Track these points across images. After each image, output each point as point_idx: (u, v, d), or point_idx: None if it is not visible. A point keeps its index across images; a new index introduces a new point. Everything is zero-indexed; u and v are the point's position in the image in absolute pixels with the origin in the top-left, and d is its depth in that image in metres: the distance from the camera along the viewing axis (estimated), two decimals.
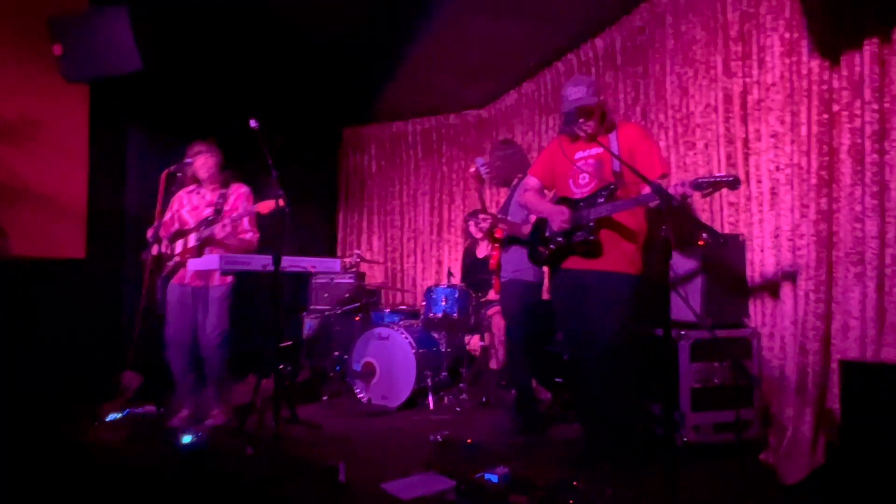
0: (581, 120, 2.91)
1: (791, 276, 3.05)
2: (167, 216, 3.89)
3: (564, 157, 2.99)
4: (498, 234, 3.81)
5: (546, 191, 3.29)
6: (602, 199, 2.82)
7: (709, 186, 2.45)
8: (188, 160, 3.77)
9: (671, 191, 2.46)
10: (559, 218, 2.88)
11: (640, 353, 3.03)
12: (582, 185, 2.97)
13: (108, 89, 4.53)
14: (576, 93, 2.88)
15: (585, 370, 2.94)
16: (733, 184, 2.42)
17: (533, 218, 3.38)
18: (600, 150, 2.89)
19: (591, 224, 2.82)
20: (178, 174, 3.75)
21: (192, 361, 3.78)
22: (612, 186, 2.82)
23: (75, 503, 2.55)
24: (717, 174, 2.41)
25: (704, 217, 3.57)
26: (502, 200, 4.08)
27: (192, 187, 3.93)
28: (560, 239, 2.96)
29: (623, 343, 2.80)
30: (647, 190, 2.61)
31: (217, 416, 3.75)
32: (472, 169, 3.89)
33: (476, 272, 4.83)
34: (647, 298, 2.89)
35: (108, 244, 4.71)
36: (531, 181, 3.24)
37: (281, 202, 3.21)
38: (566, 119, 2.94)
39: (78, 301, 4.38)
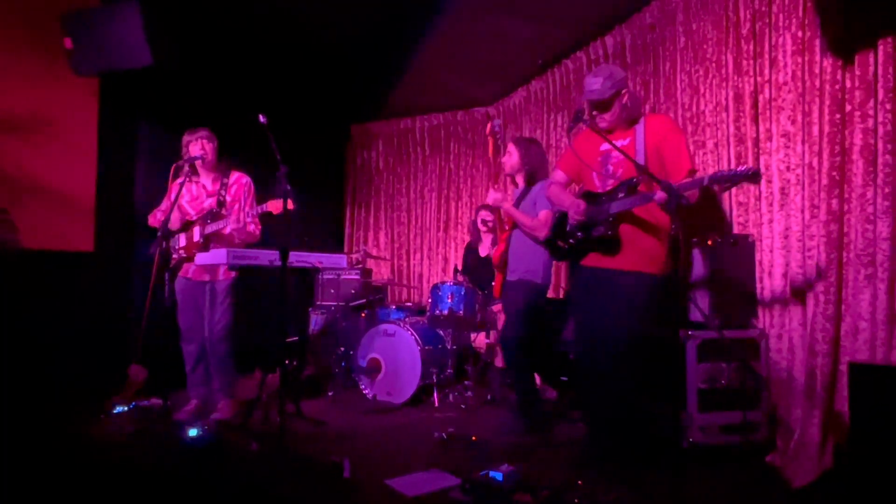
0: (595, 112, 2.86)
1: (800, 277, 3.02)
2: (164, 204, 3.89)
3: (583, 151, 2.98)
4: (507, 224, 3.78)
5: (574, 185, 3.27)
6: (622, 194, 2.76)
7: (727, 181, 2.36)
8: (196, 154, 3.77)
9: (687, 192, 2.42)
10: (573, 210, 2.89)
11: (647, 353, 3.01)
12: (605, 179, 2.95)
13: (119, 84, 4.56)
14: (592, 84, 2.83)
15: (594, 370, 2.91)
16: (754, 177, 2.31)
17: (542, 215, 3.37)
18: (620, 144, 2.81)
19: (611, 219, 2.78)
20: (187, 167, 3.76)
21: (204, 353, 3.81)
22: (635, 181, 2.74)
23: (81, 495, 2.56)
24: (739, 168, 2.31)
25: (714, 216, 3.54)
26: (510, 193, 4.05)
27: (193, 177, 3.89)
28: (580, 234, 2.92)
29: (635, 345, 2.77)
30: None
31: (223, 409, 3.76)
32: (489, 127, 3.84)
33: (476, 271, 4.81)
34: (655, 298, 2.87)
35: (117, 238, 4.74)
36: (557, 174, 3.22)
37: (290, 204, 3.19)
38: (576, 114, 2.84)
39: (86, 294, 4.41)
